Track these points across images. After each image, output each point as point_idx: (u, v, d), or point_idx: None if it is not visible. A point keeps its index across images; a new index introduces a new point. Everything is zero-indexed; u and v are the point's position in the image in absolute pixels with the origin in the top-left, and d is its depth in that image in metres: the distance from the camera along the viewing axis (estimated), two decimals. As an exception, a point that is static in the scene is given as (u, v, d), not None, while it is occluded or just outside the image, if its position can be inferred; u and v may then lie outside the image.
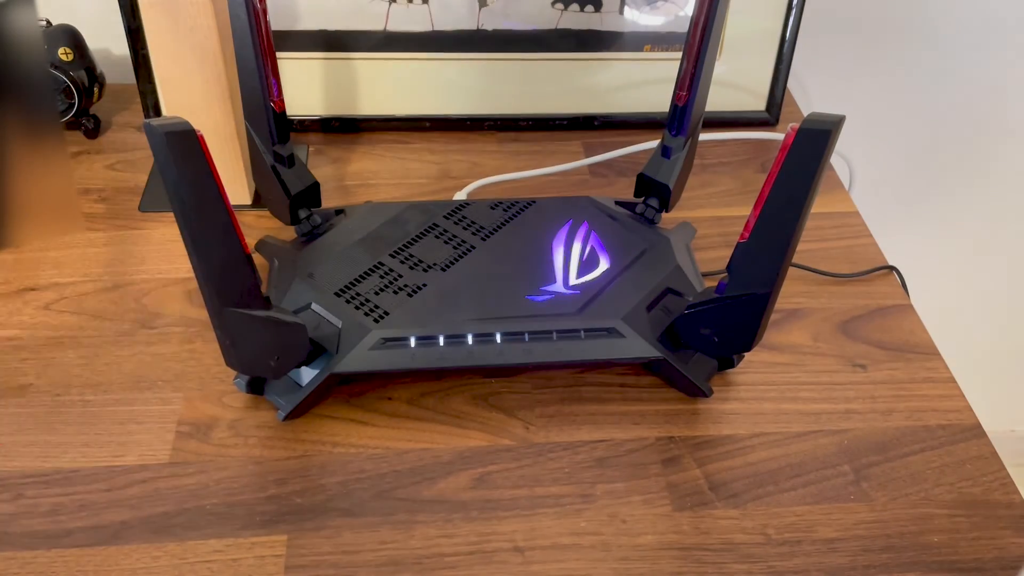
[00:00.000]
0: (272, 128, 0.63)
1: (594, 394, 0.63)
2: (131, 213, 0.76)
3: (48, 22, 0.82)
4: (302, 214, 0.67)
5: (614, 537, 0.55)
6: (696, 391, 0.63)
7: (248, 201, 0.77)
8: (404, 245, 0.66)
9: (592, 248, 0.67)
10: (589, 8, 0.84)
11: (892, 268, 0.75)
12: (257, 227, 0.75)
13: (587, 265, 0.65)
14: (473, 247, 0.66)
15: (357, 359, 0.58)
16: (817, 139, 0.49)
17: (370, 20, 0.82)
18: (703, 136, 0.84)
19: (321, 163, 0.83)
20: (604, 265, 0.65)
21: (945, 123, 1.13)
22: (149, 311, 0.67)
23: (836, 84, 1.06)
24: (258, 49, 0.60)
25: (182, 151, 0.45)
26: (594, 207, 0.70)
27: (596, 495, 0.57)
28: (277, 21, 0.81)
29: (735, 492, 0.58)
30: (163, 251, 0.73)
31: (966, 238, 1.26)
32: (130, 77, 0.81)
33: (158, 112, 0.83)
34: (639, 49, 0.87)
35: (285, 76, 0.65)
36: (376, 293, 0.61)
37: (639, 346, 0.60)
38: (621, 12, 0.84)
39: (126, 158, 0.82)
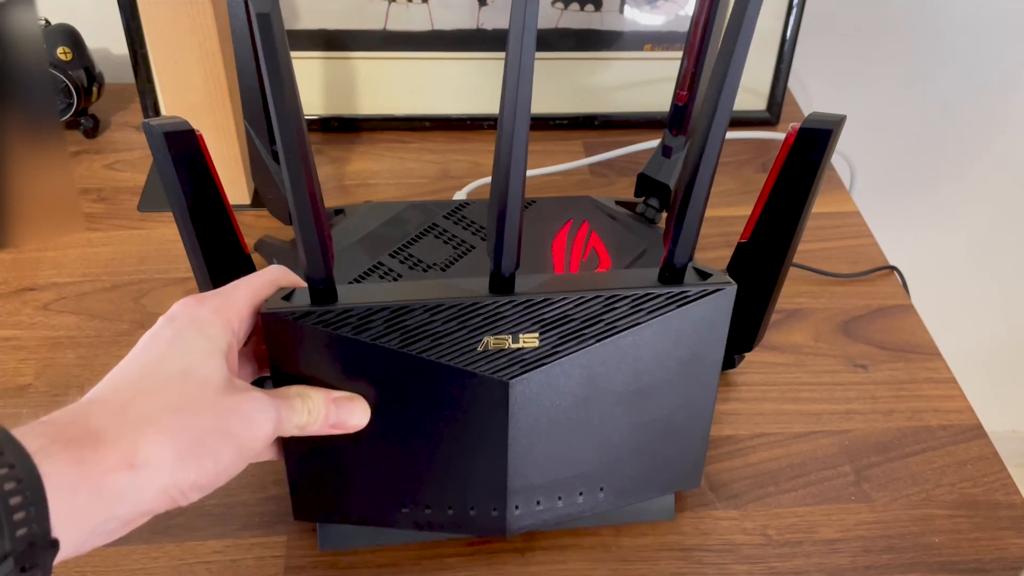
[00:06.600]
0: (272, 128, 0.63)
1: (594, 394, 0.63)
2: (130, 213, 0.76)
3: (47, 21, 0.81)
4: (302, 214, 0.67)
5: (614, 537, 0.55)
6: (696, 391, 0.62)
7: (248, 201, 0.77)
8: (404, 245, 0.65)
9: (592, 248, 0.66)
10: (589, 7, 0.84)
11: (893, 268, 0.75)
12: (257, 227, 0.74)
13: (587, 265, 0.65)
14: (473, 247, 0.66)
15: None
16: (818, 139, 0.49)
17: (369, 19, 0.82)
18: (703, 136, 0.84)
19: (321, 163, 0.83)
20: (604, 265, 0.65)
21: (946, 123, 1.12)
22: (148, 311, 0.67)
23: (837, 84, 1.06)
24: (258, 49, 0.60)
25: (182, 151, 0.45)
26: (594, 207, 0.70)
27: (596, 495, 0.57)
28: (277, 21, 0.81)
29: (736, 493, 0.57)
30: (163, 251, 0.73)
31: (967, 238, 1.26)
32: (129, 77, 0.81)
33: (158, 112, 0.82)
34: (639, 48, 0.86)
35: (285, 76, 0.65)
36: (376, 293, 0.61)
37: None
38: (621, 11, 0.84)
39: (125, 158, 0.82)
